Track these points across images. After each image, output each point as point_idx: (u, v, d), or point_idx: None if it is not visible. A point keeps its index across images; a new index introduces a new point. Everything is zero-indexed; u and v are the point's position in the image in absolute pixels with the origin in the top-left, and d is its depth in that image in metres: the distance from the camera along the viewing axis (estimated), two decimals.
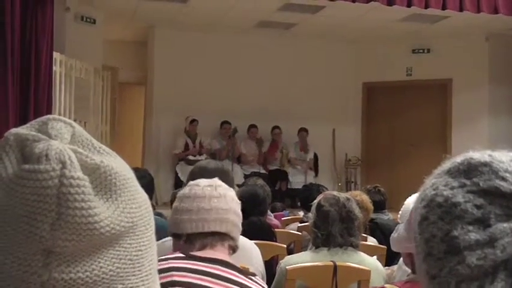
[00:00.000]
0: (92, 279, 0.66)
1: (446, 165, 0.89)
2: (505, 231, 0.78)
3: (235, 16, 9.84)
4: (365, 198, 4.69)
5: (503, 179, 0.81)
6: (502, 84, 10.57)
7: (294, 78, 11.11)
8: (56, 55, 7.78)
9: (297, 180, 10.63)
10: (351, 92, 11.61)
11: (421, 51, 11.23)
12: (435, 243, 0.83)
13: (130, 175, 0.73)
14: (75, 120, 6.41)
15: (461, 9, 7.88)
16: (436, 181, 0.87)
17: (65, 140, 0.70)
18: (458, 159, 0.88)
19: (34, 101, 7.08)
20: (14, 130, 0.71)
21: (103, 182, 0.68)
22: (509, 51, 10.56)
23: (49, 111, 7.17)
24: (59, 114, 7.07)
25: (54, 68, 7.68)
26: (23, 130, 0.71)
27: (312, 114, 11.00)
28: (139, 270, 0.71)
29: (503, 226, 0.78)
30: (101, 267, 0.66)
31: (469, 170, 0.84)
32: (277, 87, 10.99)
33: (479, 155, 0.86)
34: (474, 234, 0.79)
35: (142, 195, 0.74)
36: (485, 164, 0.83)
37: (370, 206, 4.70)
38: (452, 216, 0.81)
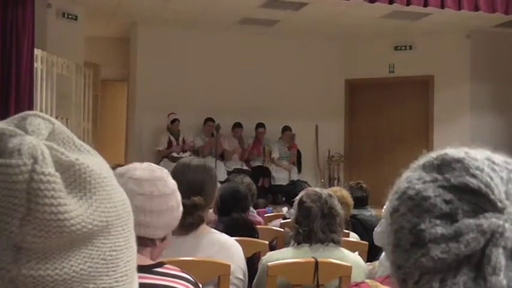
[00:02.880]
0: (62, 277, 0.65)
1: (422, 159, 0.91)
2: (471, 227, 0.79)
3: (218, 13, 9.82)
4: (345, 193, 4.70)
5: (473, 175, 0.82)
6: (483, 80, 10.64)
7: (276, 75, 11.11)
8: (37, 52, 7.71)
9: (280, 176, 10.65)
10: (334, 88, 11.63)
11: (403, 48, 11.29)
12: (403, 235, 0.85)
13: (109, 174, 0.72)
14: (56, 117, 6.36)
15: (442, 7, 7.92)
16: (411, 175, 0.89)
17: (42, 136, 0.69)
18: (434, 154, 0.90)
19: (15, 98, 7.02)
20: None
21: (77, 180, 0.67)
22: (490, 48, 10.64)
23: (30, 108, 7.12)
24: (40, 111, 6.99)
25: (35, 64, 7.62)
26: (0, 125, 0.70)
27: (295, 111, 11.01)
28: (113, 271, 0.70)
29: (469, 222, 0.80)
30: (72, 265, 0.66)
31: (443, 165, 0.86)
32: (260, 83, 10.99)
33: (454, 151, 0.88)
34: (440, 228, 0.81)
35: (121, 195, 0.73)
36: (458, 161, 0.85)
37: (351, 201, 4.71)
38: (421, 209, 0.83)
